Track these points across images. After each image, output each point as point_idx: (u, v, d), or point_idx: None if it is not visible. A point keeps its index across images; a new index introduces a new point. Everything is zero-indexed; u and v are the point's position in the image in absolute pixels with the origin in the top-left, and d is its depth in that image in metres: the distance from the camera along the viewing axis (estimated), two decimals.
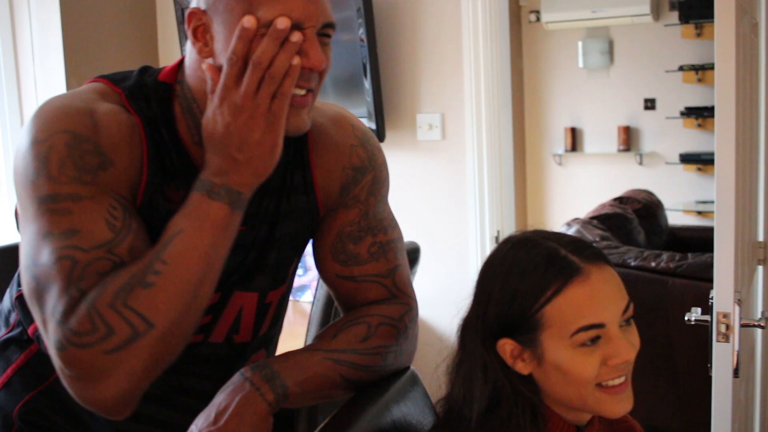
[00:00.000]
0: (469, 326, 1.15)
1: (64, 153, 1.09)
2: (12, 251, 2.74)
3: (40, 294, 1.05)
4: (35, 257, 1.07)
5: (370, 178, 1.38)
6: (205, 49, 1.15)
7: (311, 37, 1.13)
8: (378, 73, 3.18)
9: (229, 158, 1.09)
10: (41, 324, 1.06)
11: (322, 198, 1.35)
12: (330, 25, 1.17)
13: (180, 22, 3.73)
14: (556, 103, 6.24)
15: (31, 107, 3.67)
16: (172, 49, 3.94)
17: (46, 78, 3.61)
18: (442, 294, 3.14)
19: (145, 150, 1.17)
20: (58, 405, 1.30)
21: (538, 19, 6.08)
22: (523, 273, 1.09)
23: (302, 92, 1.16)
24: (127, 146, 1.15)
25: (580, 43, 6.03)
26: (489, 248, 3.28)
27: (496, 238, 3.28)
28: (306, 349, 1.25)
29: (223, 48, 1.12)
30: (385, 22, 3.33)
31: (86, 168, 1.09)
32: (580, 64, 6.06)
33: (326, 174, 1.34)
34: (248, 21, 1.07)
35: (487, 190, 3.27)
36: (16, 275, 1.37)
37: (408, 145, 3.37)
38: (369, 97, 3.14)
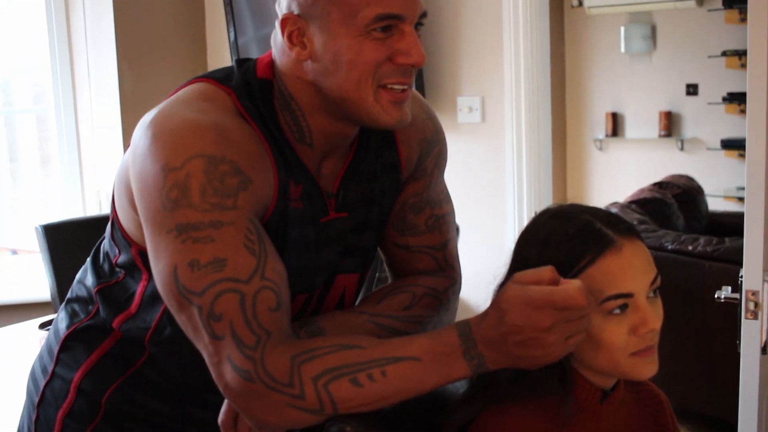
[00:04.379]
0: None
1: (203, 180, 1.10)
2: (64, 227, 2.84)
3: (208, 322, 1.09)
4: (188, 285, 1.09)
5: (437, 150, 1.43)
6: (303, 53, 1.18)
7: (411, 32, 1.16)
8: None
9: (505, 349, 1.07)
10: (212, 347, 1.10)
11: (406, 173, 1.39)
12: (424, 14, 1.20)
13: (227, 4, 3.80)
14: (597, 88, 6.24)
15: (84, 91, 3.77)
16: (220, 32, 4.03)
17: (98, 61, 3.71)
18: (479, 274, 3.20)
19: (271, 157, 1.20)
20: (149, 388, 1.36)
21: (580, 4, 6.08)
22: (560, 242, 1.15)
23: (402, 88, 1.19)
24: (258, 159, 1.17)
25: (622, 28, 6.02)
26: None
27: None
28: (352, 311, 1.32)
29: (323, 50, 1.16)
30: (425, 5, 3.39)
31: (227, 192, 1.11)
32: (622, 50, 6.05)
33: (409, 149, 1.37)
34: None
35: (525, 172, 3.32)
36: (88, 267, 1.41)
37: (448, 128, 3.45)
38: None
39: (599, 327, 1.12)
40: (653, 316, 1.13)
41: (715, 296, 1.79)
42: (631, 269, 1.13)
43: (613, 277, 1.12)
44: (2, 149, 4.48)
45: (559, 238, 1.16)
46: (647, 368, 1.15)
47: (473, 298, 3.19)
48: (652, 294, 1.15)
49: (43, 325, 2.21)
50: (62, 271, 2.77)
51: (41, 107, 4.25)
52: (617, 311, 1.12)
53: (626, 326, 1.13)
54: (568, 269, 1.13)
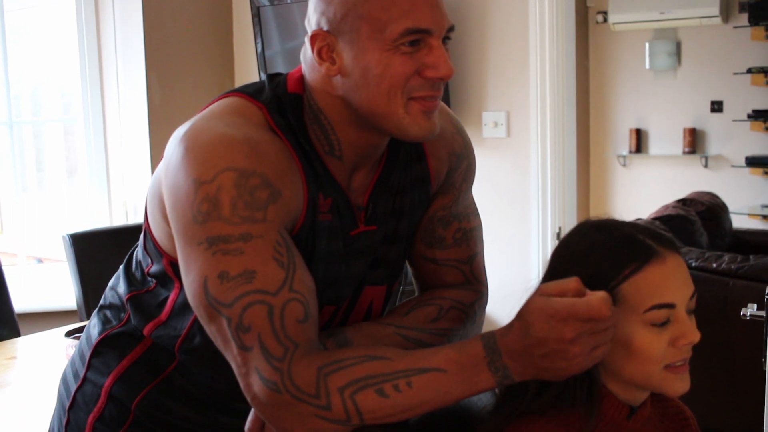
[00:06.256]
0: None
1: (234, 193, 1.11)
2: (92, 237, 2.87)
3: (236, 333, 1.11)
4: (217, 296, 1.11)
5: (466, 164, 1.43)
6: (333, 68, 1.19)
7: (439, 46, 1.17)
8: None
9: (530, 360, 1.08)
10: (240, 358, 1.12)
11: (435, 187, 1.39)
12: (452, 29, 1.21)
13: (254, 15, 3.84)
14: (621, 104, 6.22)
15: (112, 101, 3.81)
16: (247, 44, 4.06)
17: (127, 72, 3.75)
18: (503, 288, 3.20)
19: (300, 171, 1.21)
20: (178, 395, 1.38)
21: (605, 20, 6.07)
22: (603, 253, 1.16)
23: (432, 100, 1.20)
24: (288, 172, 1.19)
25: (647, 45, 6.01)
26: (550, 245, 3.33)
27: (558, 235, 3.33)
28: (379, 322, 1.33)
29: (352, 65, 1.17)
30: (452, 20, 3.41)
31: (257, 205, 1.13)
32: (647, 66, 6.03)
33: (438, 163, 1.38)
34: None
35: (549, 187, 3.32)
36: (120, 275, 1.43)
37: (473, 142, 3.47)
38: None
39: (636, 336, 1.12)
40: (693, 328, 1.14)
41: (741, 314, 1.79)
42: (674, 280, 1.14)
43: (657, 287, 1.13)
44: (30, 158, 4.53)
45: (602, 248, 1.16)
46: (680, 384, 1.15)
47: (497, 312, 3.20)
48: (688, 311, 1.16)
49: (69, 333, 2.23)
50: (88, 279, 2.80)
51: (69, 117, 4.30)
52: (658, 324, 1.12)
53: (666, 338, 1.13)
54: (610, 279, 1.13)
